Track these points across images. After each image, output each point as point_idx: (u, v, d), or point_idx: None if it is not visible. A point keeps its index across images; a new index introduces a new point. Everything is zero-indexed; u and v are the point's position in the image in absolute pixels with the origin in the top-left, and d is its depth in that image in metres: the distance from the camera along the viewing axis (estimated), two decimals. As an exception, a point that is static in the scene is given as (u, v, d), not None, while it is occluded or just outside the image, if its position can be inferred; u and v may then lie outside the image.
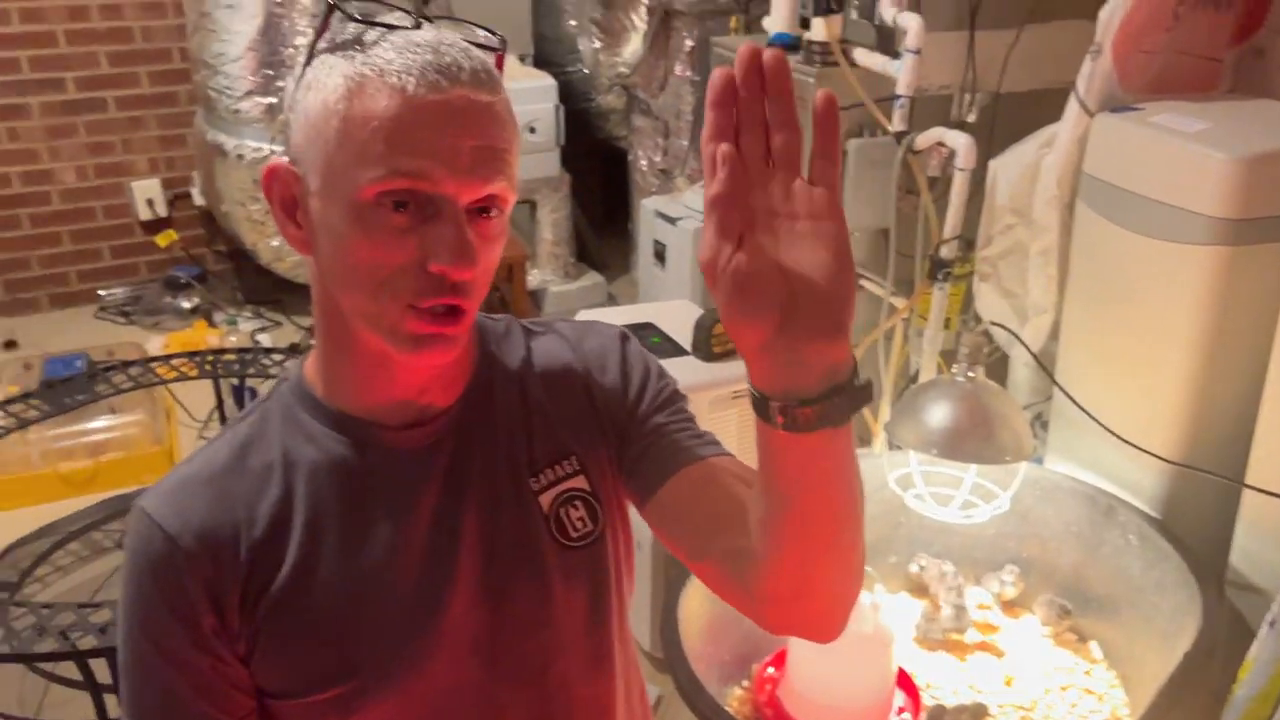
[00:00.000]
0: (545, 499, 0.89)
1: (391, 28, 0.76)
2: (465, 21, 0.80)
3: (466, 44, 0.76)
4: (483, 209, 0.76)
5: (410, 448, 0.85)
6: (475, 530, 0.86)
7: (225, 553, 0.80)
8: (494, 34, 0.80)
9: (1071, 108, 1.89)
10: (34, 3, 3.65)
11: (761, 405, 0.65)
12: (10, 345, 3.69)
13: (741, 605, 0.79)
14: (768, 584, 0.74)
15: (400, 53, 0.73)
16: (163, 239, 4.05)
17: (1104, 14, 1.86)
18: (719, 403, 1.86)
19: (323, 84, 0.75)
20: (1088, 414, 1.86)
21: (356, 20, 0.76)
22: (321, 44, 0.77)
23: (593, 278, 4.09)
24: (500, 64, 0.79)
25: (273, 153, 3.45)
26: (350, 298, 0.78)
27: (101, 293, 4.04)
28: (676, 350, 1.93)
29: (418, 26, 0.77)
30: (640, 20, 3.39)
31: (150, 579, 0.80)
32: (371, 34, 0.76)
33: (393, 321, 0.76)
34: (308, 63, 0.77)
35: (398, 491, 0.84)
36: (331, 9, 0.77)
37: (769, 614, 0.77)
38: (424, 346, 0.77)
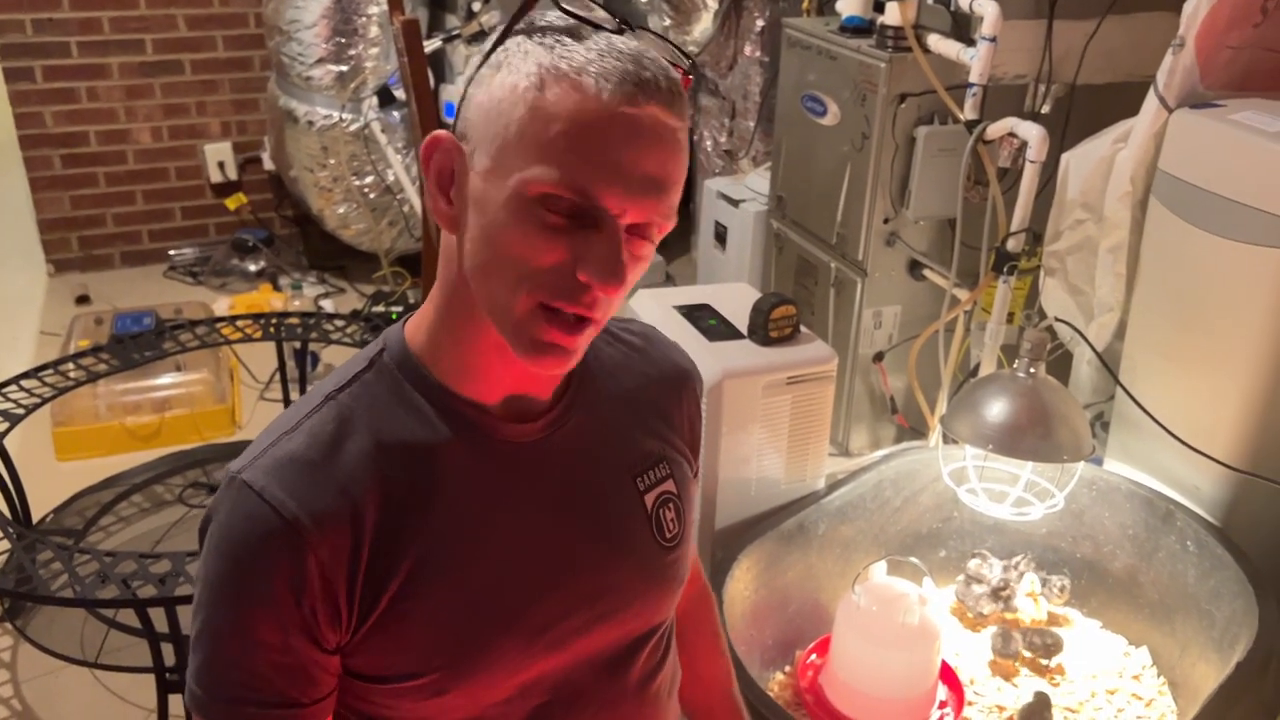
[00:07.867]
0: (649, 499, 0.91)
1: (597, 28, 0.74)
2: (662, 38, 0.78)
3: (666, 62, 0.74)
4: (640, 230, 0.76)
5: (523, 440, 0.84)
6: (588, 527, 0.87)
7: (344, 539, 0.76)
8: (687, 57, 0.78)
9: (1150, 102, 1.85)
10: (117, -36, 3.73)
11: None
12: (83, 300, 3.79)
13: None
14: None
15: (601, 55, 0.71)
16: (232, 202, 4.12)
17: (1188, 7, 1.81)
18: (773, 387, 1.85)
19: (515, 67, 0.73)
20: (1150, 416, 1.82)
21: (564, 11, 0.74)
22: (520, 25, 0.75)
23: (651, 257, 4.08)
24: (685, 88, 0.76)
25: (341, 120, 3.49)
26: (486, 284, 0.76)
27: (171, 252, 4.14)
28: (733, 333, 1.92)
29: (621, 31, 0.75)
30: (712, -1, 3.37)
31: (253, 557, 0.75)
32: (575, 31, 0.74)
33: (521, 319, 0.75)
34: (500, 41, 0.75)
35: (512, 484, 0.83)
36: None
37: None
38: (544, 353, 0.76)
